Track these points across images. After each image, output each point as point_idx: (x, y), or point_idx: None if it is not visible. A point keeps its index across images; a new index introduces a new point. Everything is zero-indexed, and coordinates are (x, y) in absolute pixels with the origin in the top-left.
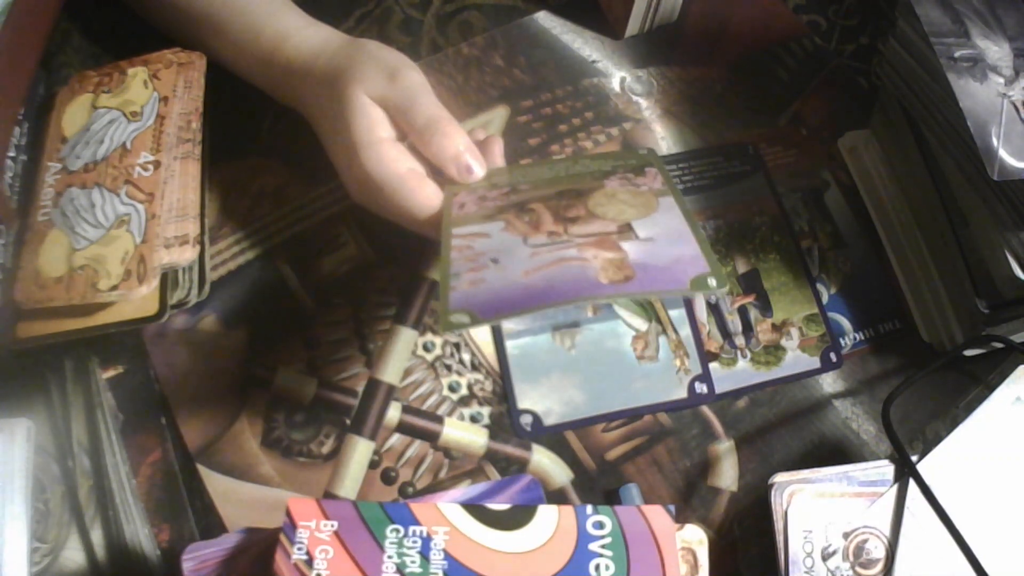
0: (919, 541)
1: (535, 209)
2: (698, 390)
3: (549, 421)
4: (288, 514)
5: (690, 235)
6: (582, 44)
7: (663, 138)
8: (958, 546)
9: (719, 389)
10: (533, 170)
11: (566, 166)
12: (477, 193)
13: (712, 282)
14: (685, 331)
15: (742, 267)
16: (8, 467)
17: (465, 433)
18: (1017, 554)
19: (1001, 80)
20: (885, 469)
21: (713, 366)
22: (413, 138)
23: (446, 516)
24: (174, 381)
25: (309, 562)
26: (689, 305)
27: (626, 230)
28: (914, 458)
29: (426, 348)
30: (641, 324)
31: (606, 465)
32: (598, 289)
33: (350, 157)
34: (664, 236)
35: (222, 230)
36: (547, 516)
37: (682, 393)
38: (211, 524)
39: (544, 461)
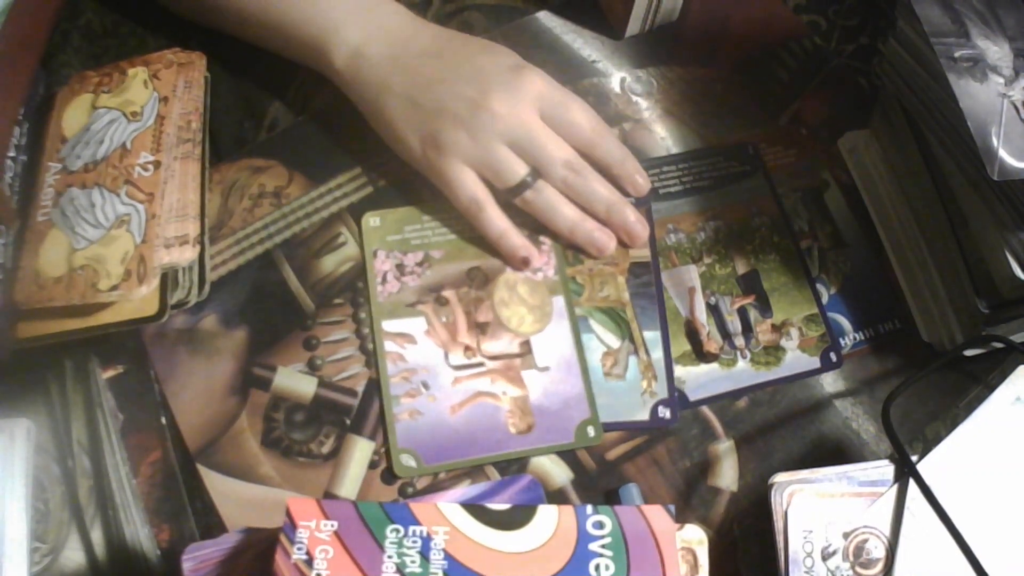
0: (919, 541)
1: (449, 301)
2: (661, 414)
3: None
4: (288, 514)
5: (576, 364)
6: (582, 44)
7: (663, 138)
8: (958, 546)
9: (719, 390)
10: (443, 222)
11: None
12: (394, 258)
13: (591, 432)
14: (657, 354)
15: (742, 268)
16: (8, 467)
17: None
18: (1017, 554)
19: (1001, 80)
20: (885, 469)
21: (713, 367)
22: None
23: (446, 516)
24: (174, 381)
25: (309, 562)
26: (665, 330)
27: (527, 351)
28: (914, 458)
29: None
30: (614, 341)
31: (606, 465)
32: (508, 445)
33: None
34: (557, 366)
35: (222, 230)
36: (547, 516)
37: (644, 416)
38: (211, 524)
39: (544, 461)
